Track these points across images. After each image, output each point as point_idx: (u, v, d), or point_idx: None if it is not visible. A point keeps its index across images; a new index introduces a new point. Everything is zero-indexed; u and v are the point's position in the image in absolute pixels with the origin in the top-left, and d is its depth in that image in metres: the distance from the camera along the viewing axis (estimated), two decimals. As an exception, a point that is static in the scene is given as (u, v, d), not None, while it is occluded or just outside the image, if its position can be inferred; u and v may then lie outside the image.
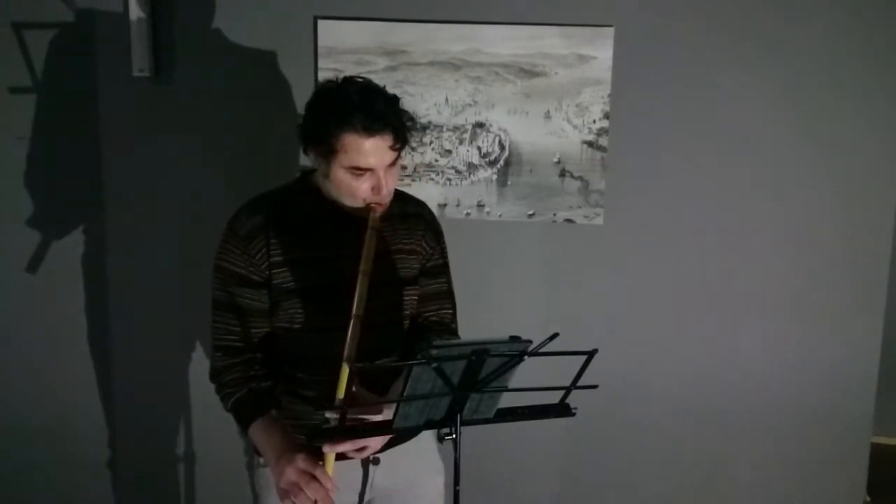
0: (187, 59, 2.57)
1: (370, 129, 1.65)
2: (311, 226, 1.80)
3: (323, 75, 2.50)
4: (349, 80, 1.73)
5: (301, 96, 2.54)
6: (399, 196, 1.89)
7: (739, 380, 2.55)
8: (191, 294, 2.68)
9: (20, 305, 2.74)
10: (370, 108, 1.65)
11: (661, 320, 2.55)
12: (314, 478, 1.63)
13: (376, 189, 1.71)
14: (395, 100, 1.72)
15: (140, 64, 2.52)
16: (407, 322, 1.88)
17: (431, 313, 1.92)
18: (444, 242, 1.96)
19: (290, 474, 1.64)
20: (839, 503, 2.57)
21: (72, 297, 2.72)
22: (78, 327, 2.75)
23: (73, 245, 2.70)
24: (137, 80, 2.55)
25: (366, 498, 1.90)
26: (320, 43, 2.50)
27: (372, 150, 1.67)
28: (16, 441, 2.82)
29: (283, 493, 1.66)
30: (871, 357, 2.49)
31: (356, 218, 1.75)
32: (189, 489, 2.81)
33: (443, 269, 1.95)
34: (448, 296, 1.95)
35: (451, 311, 1.96)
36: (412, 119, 1.76)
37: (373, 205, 1.72)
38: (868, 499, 3.00)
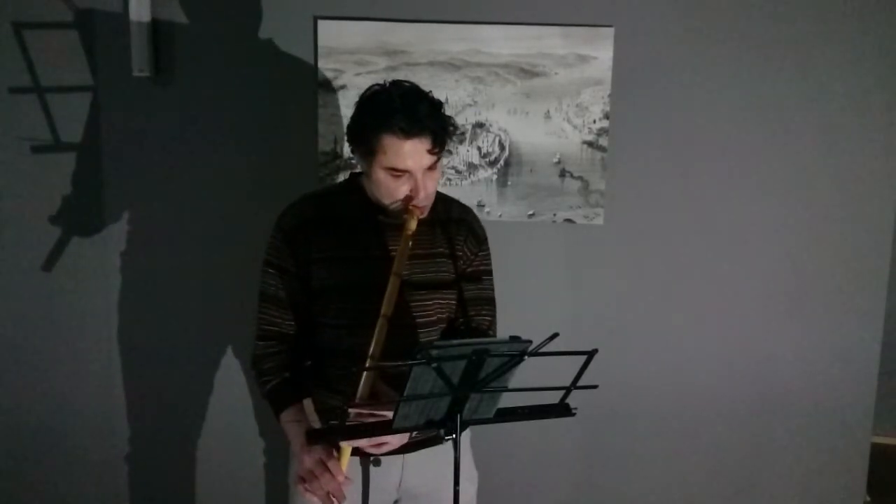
0: (187, 59, 2.57)
1: (408, 132, 1.70)
2: (352, 226, 1.86)
3: (323, 75, 2.50)
4: (396, 84, 1.79)
5: (301, 96, 2.54)
6: (444, 200, 1.95)
7: (739, 380, 2.55)
8: (193, 293, 2.69)
9: (22, 305, 2.74)
10: (411, 110, 1.70)
11: (660, 320, 2.55)
12: (328, 469, 1.69)
13: (414, 191, 1.76)
14: (438, 105, 1.78)
15: (140, 64, 2.52)
16: (442, 325, 1.91)
17: (469, 318, 1.95)
18: (486, 249, 1.99)
19: (307, 463, 1.71)
20: (839, 503, 2.57)
21: (72, 297, 2.72)
22: (79, 328, 2.75)
23: (73, 245, 2.69)
24: (137, 80, 2.55)
25: (393, 498, 1.93)
26: (320, 43, 2.50)
27: (410, 152, 1.71)
28: (22, 441, 2.82)
29: (300, 479, 1.73)
30: (871, 357, 2.49)
31: (397, 221, 1.81)
32: (191, 490, 2.81)
33: (483, 275, 1.97)
34: (487, 302, 1.97)
35: (489, 318, 1.97)
36: (454, 125, 1.83)
37: (411, 207, 1.76)
38: (868, 499, 3.00)
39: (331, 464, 1.69)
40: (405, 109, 1.70)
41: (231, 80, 2.57)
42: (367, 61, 2.49)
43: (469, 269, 1.94)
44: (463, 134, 2.48)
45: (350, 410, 1.68)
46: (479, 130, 2.50)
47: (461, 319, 1.94)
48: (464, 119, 2.50)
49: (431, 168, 1.76)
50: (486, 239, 1.99)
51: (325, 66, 2.50)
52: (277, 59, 2.54)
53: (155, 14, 2.52)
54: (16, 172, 2.67)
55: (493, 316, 1.98)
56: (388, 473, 1.90)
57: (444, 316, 1.90)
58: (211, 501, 2.82)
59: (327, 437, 1.72)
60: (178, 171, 2.63)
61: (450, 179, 2.53)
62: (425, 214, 1.81)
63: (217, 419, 2.75)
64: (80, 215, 2.69)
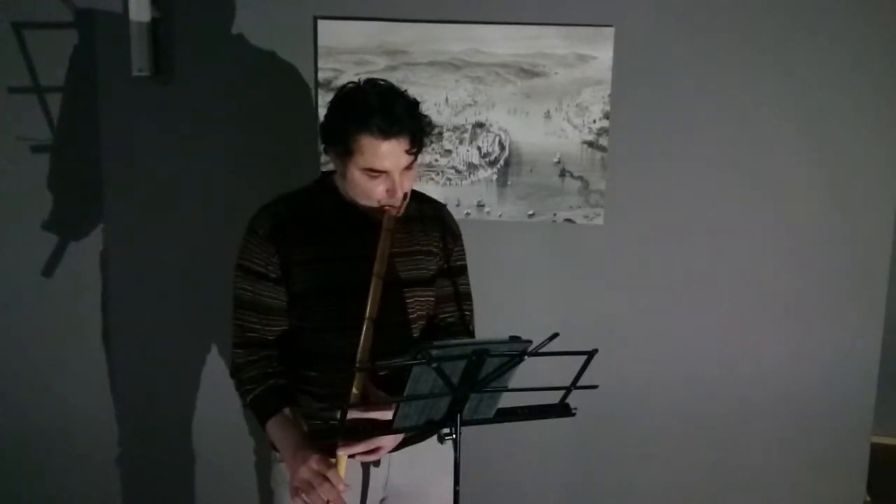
0: (187, 59, 2.57)
1: (387, 132, 1.67)
2: (329, 226, 1.83)
3: (323, 75, 2.50)
4: (371, 82, 1.76)
5: (301, 96, 2.54)
6: (418, 197, 1.93)
7: (739, 380, 2.55)
8: (192, 293, 2.69)
9: (21, 305, 2.74)
10: (388, 111, 1.68)
11: (660, 320, 2.55)
12: (327, 479, 1.65)
13: (391, 191, 1.73)
14: (415, 104, 1.75)
15: (140, 64, 2.52)
16: (422, 322, 1.90)
17: (448, 314, 1.95)
18: (462, 244, 1.99)
19: (304, 473, 1.67)
20: (839, 503, 2.57)
21: (72, 297, 2.72)
22: (78, 327, 2.75)
23: (73, 245, 2.69)
24: (137, 80, 2.55)
25: (379, 496, 1.92)
26: (320, 43, 2.50)
27: (388, 152, 1.69)
28: (20, 441, 2.82)
29: (296, 491, 1.69)
30: (871, 357, 2.49)
31: (373, 219, 1.78)
32: (191, 489, 2.81)
33: (460, 271, 1.97)
34: (465, 297, 1.97)
35: (468, 313, 1.97)
36: (431, 124, 1.79)
37: (387, 207, 1.74)
38: (868, 499, 3.00)
39: (330, 473, 1.66)
40: (383, 109, 1.67)
41: (231, 79, 2.57)
42: (367, 61, 2.49)
43: (446, 266, 1.94)
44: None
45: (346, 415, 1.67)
46: (479, 130, 2.50)
47: (441, 315, 1.94)
48: (464, 119, 2.50)
49: (408, 167, 1.74)
50: (460, 234, 1.99)
51: (325, 66, 2.50)
52: (277, 59, 2.54)
53: (155, 14, 2.52)
54: (15, 172, 2.67)
55: (472, 311, 1.99)
56: (376, 472, 1.88)
57: (423, 313, 1.89)
58: (204, 502, 2.82)
59: (327, 437, 1.70)
60: (178, 171, 2.63)
61: (450, 179, 2.53)
62: (401, 213, 1.79)
63: (212, 419, 2.75)
64: (80, 215, 2.69)
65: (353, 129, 1.68)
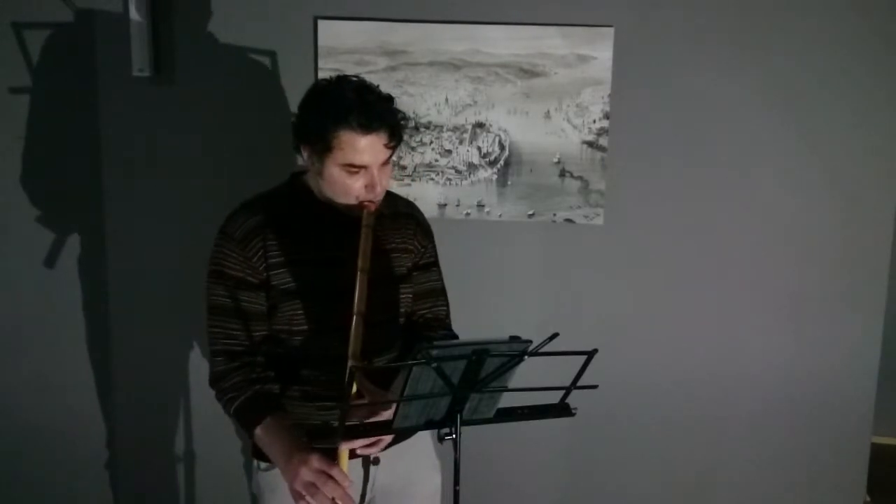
0: (187, 59, 2.57)
1: (367, 127, 1.68)
2: (305, 227, 1.81)
3: (323, 75, 2.50)
4: (344, 79, 1.76)
5: (301, 96, 2.53)
6: (389, 196, 1.91)
7: (739, 380, 2.55)
8: (191, 294, 2.67)
9: (19, 305, 2.74)
10: (366, 106, 1.68)
11: (660, 320, 2.55)
12: (331, 477, 1.63)
13: (370, 187, 1.73)
14: (389, 98, 1.75)
15: (140, 64, 2.52)
16: (402, 319, 1.90)
17: (426, 310, 1.95)
18: (433, 240, 1.99)
19: (306, 475, 1.63)
20: (839, 503, 2.57)
21: (72, 297, 2.72)
22: (78, 327, 2.75)
23: (73, 245, 2.70)
24: (137, 80, 2.55)
25: (367, 497, 1.91)
26: (320, 43, 2.50)
27: (367, 147, 1.69)
28: (14, 441, 2.82)
29: (298, 495, 1.65)
30: (871, 357, 2.49)
31: (350, 218, 1.77)
32: (188, 489, 2.81)
33: (434, 267, 1.98)
34: (441, 293, 1.98)
35: (444, 308, 1.98)
36: (406, 118, 1.80)
37: (365, 203, 1.74)
38: (868, 499, 3.00)
39: (335, 471, 1.63)
40: (360, 105, 1.67)
41: (231, 79, 2.57)
42: (367, 61, 2.49)
43: (421, 262, 1.94)
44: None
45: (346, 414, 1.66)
46: (479, 130, 2.50)
47: (420, 311, 1.93)
48: (464, 119, 2.50)
49: (386, 162, 1.74)
50: (432, 231, 1.99)
51: (325, 65, 2.50)
52: (277, 59, 2.54)
53: (155, 14, 2.52)
54: (15, 172, 2.67)
55: (448, 305, 1.99)
56: (362, 472, 1.88)
57: (402, 310, 1.89)
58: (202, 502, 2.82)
59: (329, 436, 1.70)
60: (178, 171, 2.63)
61: (450, 179, 2.53)
62: (376, 207, 1.78)
63: (215, 419, 2.75)
64: (79, 215, 2.69)
65: (332, 125, 1.68)
